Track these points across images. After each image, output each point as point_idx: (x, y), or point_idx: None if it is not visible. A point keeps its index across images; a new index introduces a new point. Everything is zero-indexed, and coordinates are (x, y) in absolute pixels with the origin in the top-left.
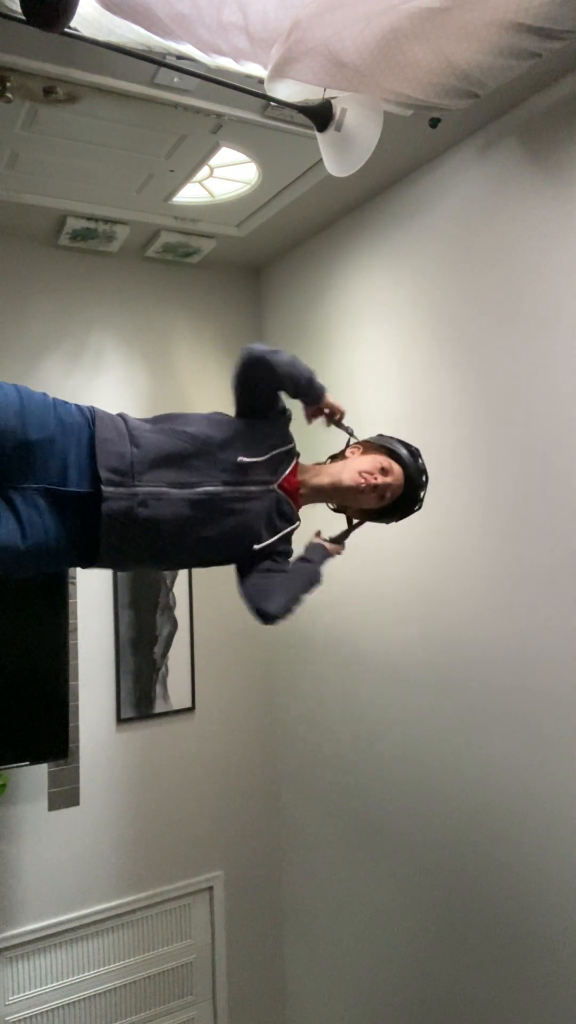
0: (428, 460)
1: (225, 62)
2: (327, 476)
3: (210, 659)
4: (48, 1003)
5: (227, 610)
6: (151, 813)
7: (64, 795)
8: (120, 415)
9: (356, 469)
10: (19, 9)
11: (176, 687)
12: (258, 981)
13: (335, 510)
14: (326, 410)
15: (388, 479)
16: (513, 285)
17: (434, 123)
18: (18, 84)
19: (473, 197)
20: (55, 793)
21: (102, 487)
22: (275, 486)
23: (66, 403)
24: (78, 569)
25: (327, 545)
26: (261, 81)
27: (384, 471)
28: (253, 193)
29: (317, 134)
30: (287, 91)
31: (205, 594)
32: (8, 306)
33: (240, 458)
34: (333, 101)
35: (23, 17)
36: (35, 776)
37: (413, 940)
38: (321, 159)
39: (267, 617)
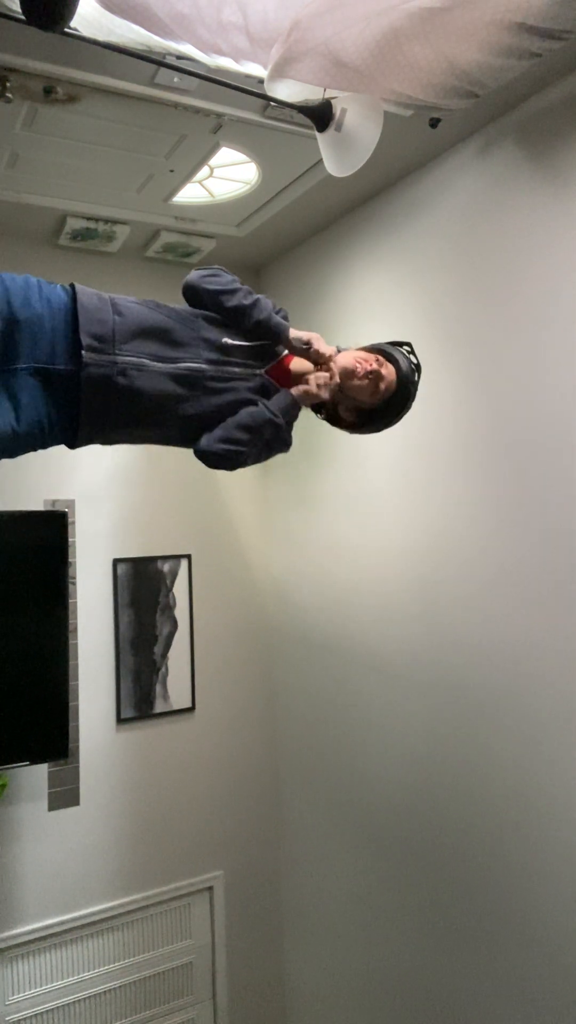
0: (427, 460)
1: (225, 62)
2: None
3: (210, 659)
4: (48, 1003)
5: (227, 610)
6: (151, 813)
7: (64, 795)
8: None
9: (352, 356)
10: (19, 9)
11: (176, 687)
12: (258, 981)
13: (325, 417)
14: (304, 350)
15: (382, 369)
16: (513, 285)
17: (434, 123)
18: (18, 84)
19: (473, 197)
20: (55, 793)
21: (83, 353)
22: (262, 371)
23: (51, 283)
24: (78, 569)
25: (292, 391)
26: (261, 81)
27: (380, 364)
28: (253, 193)
29: (317, 134)
30: (287, 91)
31: (205, 594)
32: None
33: (224, 339)
34: (333, 101)
35: (23, 17)
36: (35, 776)
37: (413, 939)
38: (321, 159)
39: (198, 452)
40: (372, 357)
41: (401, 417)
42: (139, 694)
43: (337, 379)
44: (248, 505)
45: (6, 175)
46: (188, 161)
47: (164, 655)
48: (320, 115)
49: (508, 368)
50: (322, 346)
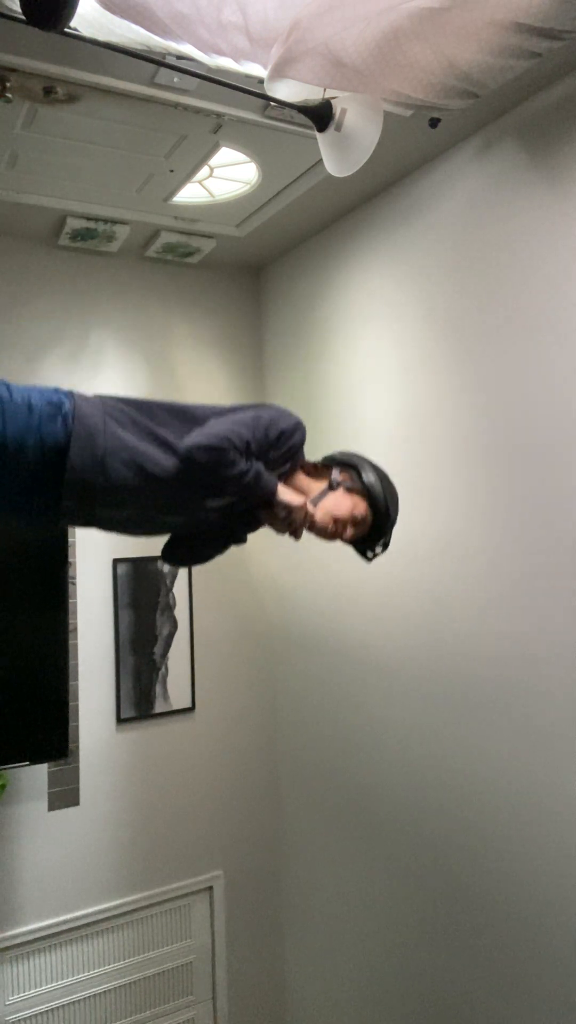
0: (428, 460)
1: (225, 62)
2: (298, 497)
3: (210, 659)
4: (48, 1003)
5: (227, 610)
6: (151, 813)
7: (64, 795)
8: (104, 413)
9: (331, 513)
10: (19, 9)
11: (176, 687)
12: (258, 981)
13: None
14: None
15: (355, 532)
16: (513, 285)
17: (434, 123)
18: (18, 84)
19: (473, 197)
20: (55, 793)
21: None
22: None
23: (52, 404)
24: (78, 569)
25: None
26: (261, 81)
27: (356, 523)
28: (253, 193)
29: (317, 134)
30: (287, 91)
31: (205, 594)
32: (8, 306)
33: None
34: (333, 101)
35: (23, 17)
36: (35, 776)
37: (413, 939)
38: (321, 159)
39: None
40: (353, 517)
41: (393, 522)
42: (139, 694)
43: (299, 535)
44: None
45: (6, 175)
46: (188, 161)
47: (164, 655)
48: (320, 115)
49: (509, 368)
50: (299, 515)
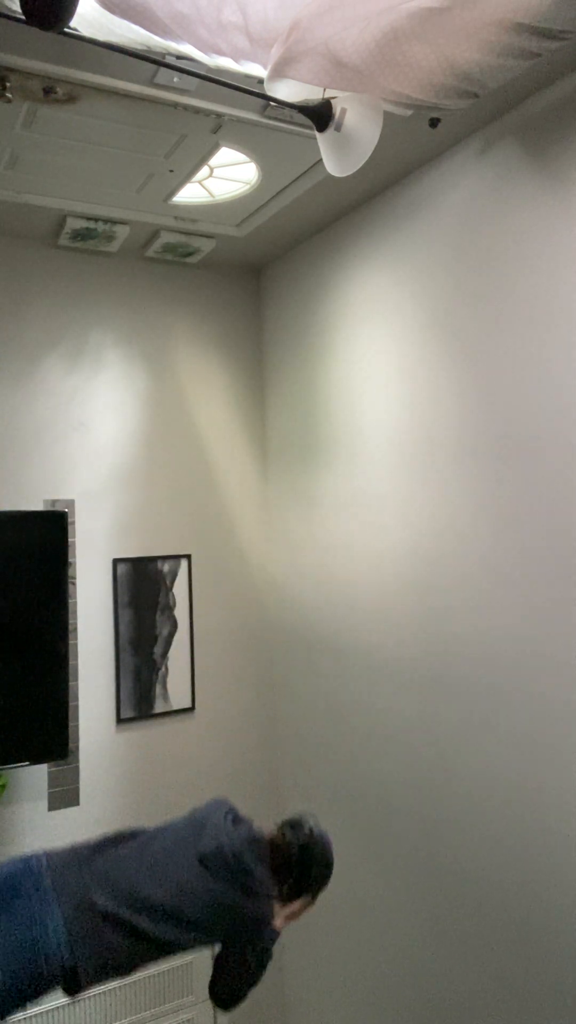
0: (427, 460)
1: (225, 62)
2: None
3: (210, 659)
4: (48, 1003)
5: (227, 610)
6: (151, 813)
7: (64, 795)
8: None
9: (285, 921)
10: (19, 9)
11: (176, 687)
12: None
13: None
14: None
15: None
16: (513, 285)
17: (434, 123)
18: (18, 84)
19: (473, 197)
20: (55, 793)
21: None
22: None
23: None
24: (78, 569)
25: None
26: (261, 81)
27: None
28: (253, 193)
29: (317, 134)
30: (287, 91)
31: (205, 594)
32: (8, 306)
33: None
34: (333, 101)
35: (23, 17)
36: (35, 776)
37: (413, 940)
38: (321, 159)
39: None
40: (292, 918)
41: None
42: (139, 694)
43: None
44: (248, 505)
45: (6, 175)
46: (188, 161)
47: (164, 655)
48: (320, 115)
49: (508, 368)
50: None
